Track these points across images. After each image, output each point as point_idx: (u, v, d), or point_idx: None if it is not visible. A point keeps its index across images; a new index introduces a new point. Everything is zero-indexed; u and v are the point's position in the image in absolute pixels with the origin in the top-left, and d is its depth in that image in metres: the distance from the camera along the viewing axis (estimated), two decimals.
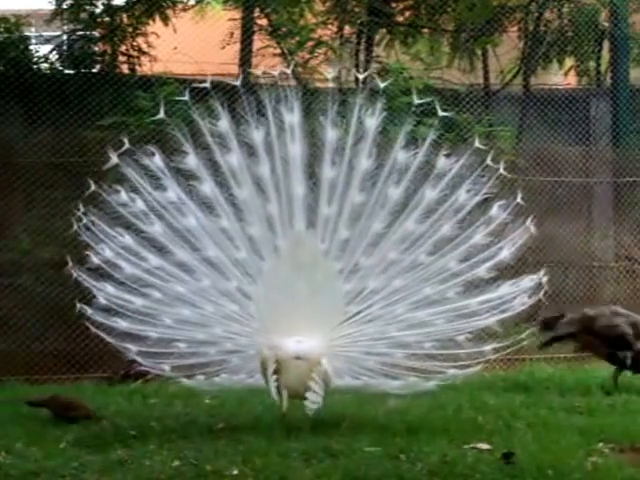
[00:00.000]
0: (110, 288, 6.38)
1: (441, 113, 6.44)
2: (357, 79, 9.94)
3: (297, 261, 6.22)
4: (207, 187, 6.33)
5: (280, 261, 6.26)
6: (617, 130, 11.34)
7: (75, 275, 6.48)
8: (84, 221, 6.42)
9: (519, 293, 6.43)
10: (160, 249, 6.38)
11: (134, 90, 9.39)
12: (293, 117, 6.25)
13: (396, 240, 6.30)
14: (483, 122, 10.11)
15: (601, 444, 6.08)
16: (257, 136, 6.27)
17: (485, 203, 6.49)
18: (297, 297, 6.23)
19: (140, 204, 6.35)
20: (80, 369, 9.08)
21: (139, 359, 6.44)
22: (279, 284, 6.25)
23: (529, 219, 6.54)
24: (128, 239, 6.37)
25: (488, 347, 6.39)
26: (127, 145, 6.39)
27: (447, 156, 6.37)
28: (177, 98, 6.61)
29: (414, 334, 6.36)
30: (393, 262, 6.31)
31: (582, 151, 10.77)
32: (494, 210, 6.46)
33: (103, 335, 6.38)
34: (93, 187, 6.43)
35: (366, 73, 6.80)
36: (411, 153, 6.30)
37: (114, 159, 6.37)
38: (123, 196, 6.37)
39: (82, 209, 6.43)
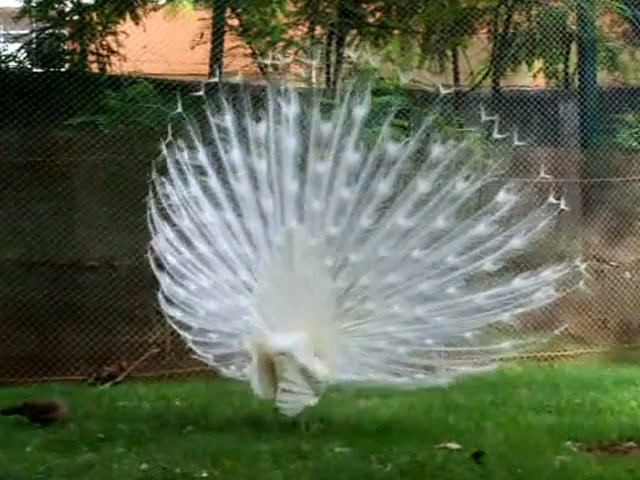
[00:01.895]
0: (167, 279, 6.52)
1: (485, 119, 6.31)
2: (328, 79, 10.00)
3: (288, 257, 6.22)
4: (213, 183, 6.42)
5: (273, 257, 6.28)
6: (585, 131, 11.45)
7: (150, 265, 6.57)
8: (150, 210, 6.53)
9: (539, 286, 6.17)
10: (188, 242, 6.48)
11: (103, 89, 9.38)
12: (291, 109, 6.24)
13: (386, 235, 6.17)
14: (453, 123, 10.14)
15: (569, 443, 6.14)
16: (257, 130, 6.32)
17: (489, 190, 6.18)
18: (288, 293, 6.23)
19: (175, 197, 6.47)
20: (48, 372, 9.02)
21: (193, 347, 6.53)
22: (272, 280, 6.27)
23: (550, 196, 6.22)
24: (169, 231, 6.50)
25: (506, 344, 6.21)
26: (166, 141, 6.48)
27: (442, 143, 6.17)
28: (197, 93, 6.54)
29: (413, 330, 6.24)
30: (384, 258, 6.19)
31: (551, 152, 10.84)
32: (501, 195, 6.17)
33: (174, 325, 6.53)
34: (154, 175, 6.49)
35: (355, 54, 6.68)
36: (400, 145, 6.15)
37: (164, 150, 6.45)
38: (168, 188, 6.48)
39: (150, 198, 6.52)
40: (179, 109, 6.49)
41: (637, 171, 11.27)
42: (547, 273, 6.21)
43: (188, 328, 6.51)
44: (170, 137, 6.47)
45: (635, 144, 11.33)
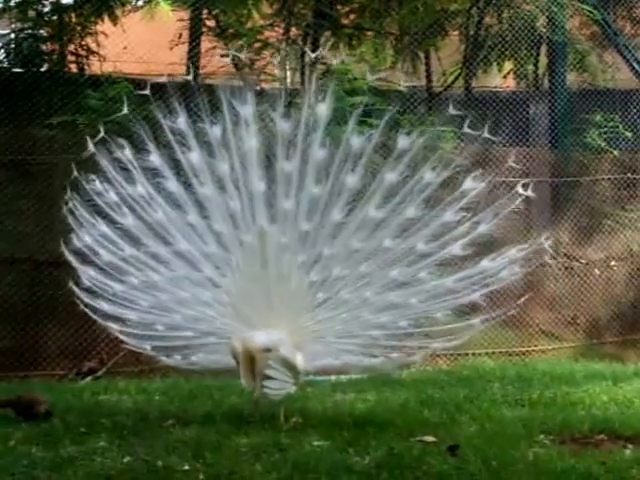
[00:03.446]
0: (92, 272, 6.50)
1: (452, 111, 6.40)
2: (303, 80, 10.07)
3: (261, 256, 6.28)
4: (172, 184, 6.42)
5: (246, 256, 6.33)
6: (555, 131, 11.59)
7: (66, 255, 6.55)
8: (69, 205, 6.49)
9: (505, 265, 6.37)
10: (134, 240, 6.46)
11: (83, 89, 9.34)
12: (246, 110, 6.26)
13: (357, 228, 6.27)
14: (426, 123, 10.27)
15: (542, 435, 6.18)
16: (214, 132, 6.32)
17: (457, 178, 6.32)
18: (264, 290, 6.31)
19: (113, 195, 6.44)
20: (29, 366, 9.07)
21: (122, 338, 6.55)
22: (246, 278, 6.33)
23: (519, 184, 6.43)
24: (105, 228, 6.48)
25: (476, 320, 6.36)
26: (97, 138, 6.46)
27: (407, 134, 6.27)
28: (141, 92, 6.59)
29: (387, 315, 6.36)
30: (356, 250, 6.30)
31: (521, 151, 10.99)
32: (467, 183, 6.35)
33: (91, 314, 6.52)
34: (75, 173, 6.50)
35: (316, 53, 6.74)
36: (365, 137, 6.22)
37: (91, 148, 6.43)
38: (98, 185, 6.45)
39: (69, 193, 6.49)
40: (125, 110, 6.51)
41: (606, 170, 11.46)
42: (512, 252, 6.41)
43: (118, 320, 6.50)
44: (102, 135, 6.45)
45: (604, 144, 11.47)
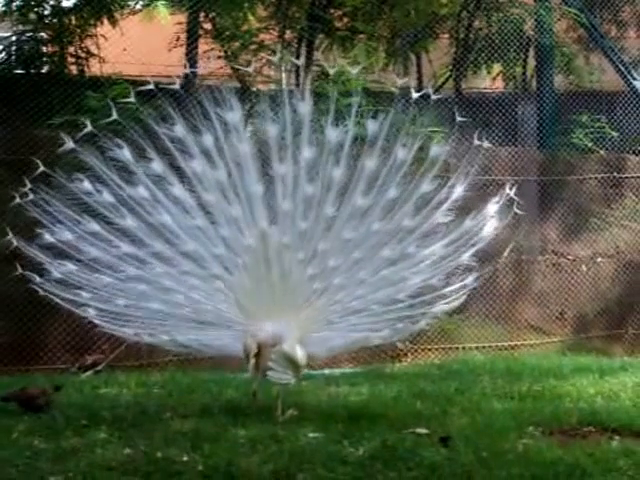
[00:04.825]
0: (71, 266, 6.49)
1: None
2: (298, 82, 10.22)
3: (264, 257, 6.43)
4: (177, 190, 6.49)
5: (251, 257, 6.47)
6: (542, 132, 11.74)
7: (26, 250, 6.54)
8: (30, 198, 6.52)
9: (486, 222, 6.54)
10: (134, 239, 6.49)
11: (84, 90, 9.39)
12: (234, 115, 6.37)
13: (348, 218, 6.41)
14: (417, 124, 10.38)
15: (531, 427, 6.30)
16: (206, 139, 6.42)
17: (424, 149, 6.47)
18: (268, 287, 6.46)
19: (108, 196, 6.47)
20: (30, 361, 9.13)
21: (98, 322, 6.55)
22: (252, 277, 6.48)
23: (475, 135, 6.59)
24: (95, 226, 6.48)
25: (469, 279, 6.51)
26: (82, 133, 6.57)
27: (374, 118, 6.41)
28: (125, 100, 6.67)
29: (385, 290, 6.49)
30: (349, 239, 6.44)
31: (510, 151, 11.14)
32: (433, 150, 6.51)
33: (59, 302, 6.50)
34: (42, 167, 6.56)
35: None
36: (342, 129, 6.32)
37: (70, 144, 6.50)
38: (87, 185, 6.47)
39: (29, 186, 6.54)
40: (114, 116, 6.56)
41: (592, 169, 11.60)
42: (489, 207, 6.61)
43: (99, 308, 6.51)
44: (90, 131, 6.54)
45: (590, 144, 11.62)
